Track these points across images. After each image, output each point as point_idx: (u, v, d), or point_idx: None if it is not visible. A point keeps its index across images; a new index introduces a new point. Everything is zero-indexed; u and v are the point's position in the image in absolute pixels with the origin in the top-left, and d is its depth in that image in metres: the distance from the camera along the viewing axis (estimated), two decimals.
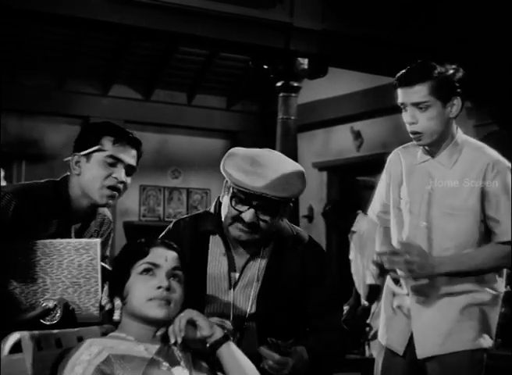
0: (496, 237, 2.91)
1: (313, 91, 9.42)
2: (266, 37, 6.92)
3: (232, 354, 2.21)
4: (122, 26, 6.56)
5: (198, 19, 6.61)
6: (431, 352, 2.92)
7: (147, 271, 2.22)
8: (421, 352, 2.93)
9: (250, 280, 2.62)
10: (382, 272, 2.91)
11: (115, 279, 2.29)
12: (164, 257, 2.25)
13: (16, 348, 2.16)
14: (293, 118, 7.14)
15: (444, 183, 2.93)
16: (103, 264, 2.79)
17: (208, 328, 2.20)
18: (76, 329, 2.39)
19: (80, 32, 8.63)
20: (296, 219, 7.25)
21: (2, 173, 9.60)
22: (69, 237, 2.80)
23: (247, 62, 7.58)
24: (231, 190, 2.58)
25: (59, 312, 2.55)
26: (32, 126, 9.58)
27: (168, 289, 2.20)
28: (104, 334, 2.31)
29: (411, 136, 2.95)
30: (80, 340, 2.23)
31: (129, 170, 2.83)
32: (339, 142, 10.03)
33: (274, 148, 7.54)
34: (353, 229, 5.82)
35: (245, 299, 2.61)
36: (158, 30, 6.71)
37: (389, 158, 3.16)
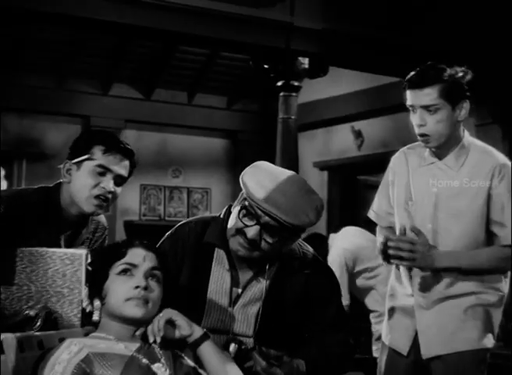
0: (499, 240, 2.91)
1: (313, 90, 9.43)
2: (266, 36, 6.91)
3: (212, 352, 2.23)
4: (123, 25, 6.55)
5: (199, 18, 6.61)
6: (436, 352, 2.93)
7: (124, 271, 2.24)
8: (426, 352, 2.94)
9: (251, 298, 2.58)
10: (386, 257, 2.89)
11: (94, 280, 2.31)
12: (142, 257, 2.26)
13: None
14: (293, 117, 7.13)
15: (450, 186, 2.93)
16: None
17: (188, 327, 2.22)
18: (58, 331, 2.40)
19: (80, 31, 8.63)
20: None
21: (3, 173, 9.64)
22: (59, 244, 2.80)
23: (248, 61, 7.57)
24: (243, 202, 2.51)
25: (40, 321, 2.52)
26: (32, 125, 9.59)
27: (145, 288, 2.21)
28: (86, 335, 2.31)
29: (419, 138, 2.95)
30: (62, 341, 2.23)
31: (119, 180, 2.81)
32: (340, 142, 10.03)
33: (274, 148, 7.55)
34: (328, 257, 5.72)
35: (244, 318, 2.57)
36: (159, 30, 6.70)
37: (395, 157, 3.16)
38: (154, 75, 9.95)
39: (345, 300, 5.62)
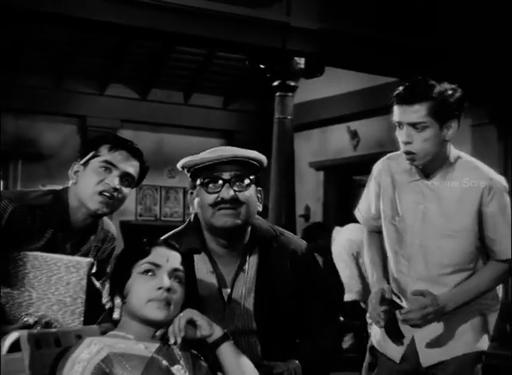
0: (495, 255, 2.88)
1: (309, 90, 9.43)
2: (263, 36, 6.91)
3: (232, 353, 2.21)
4: (119, 25, 6.54)
5: (195, 18, 6.61)
6: (435, 359, 2.91)
7: (147, 271, 2.21)
8: (426, 360, 2.92)
9: (242, 293, 2.57)
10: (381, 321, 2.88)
11: (116, 278, 2.27)
12: (165, 257, 2.24)
13: (15, 346, 2.16)
14: (289, 117, 7.13)
15: (439, 205, 2.87)
16: (94, 282, 2.77)
17: (208, 327, 2.20)
18: (75, 328, 2.39)
19: (77, 32, 8.62)
20: (293, 218, 7.25)
21: None
22: (64, 249, 2.75)
23: (244, 61, 7.57)
24: (195, 183, 2.55)
25: (38, 330, 2.48)
26: (29, 125, 9.57)
27: (168, 290, 2.18)
28: (103, 333, 2.30)
29: (404, 156, 2.86)
30: (79, 338, 2.22)
31: (127, 178, 2.77)
32: (336, 142, 10.04)
33: (270, 148, 7.55)
34: (332, 247, 5.75)
35: (241, 314, 2.56)
36: (155, 30, 6.70)
37: (378, 167, 3.10)
38: (150, 75, 9.95)
39: (353, 293, 5.63)
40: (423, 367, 2.92)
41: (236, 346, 2.24)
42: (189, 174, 2.62)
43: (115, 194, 2.74)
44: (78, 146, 9.28)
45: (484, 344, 2.95)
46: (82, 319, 2.57)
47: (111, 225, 3.01)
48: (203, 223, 2.59)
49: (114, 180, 2.72)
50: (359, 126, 9.71)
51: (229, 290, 2.57)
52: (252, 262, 2.59)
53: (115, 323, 2.27)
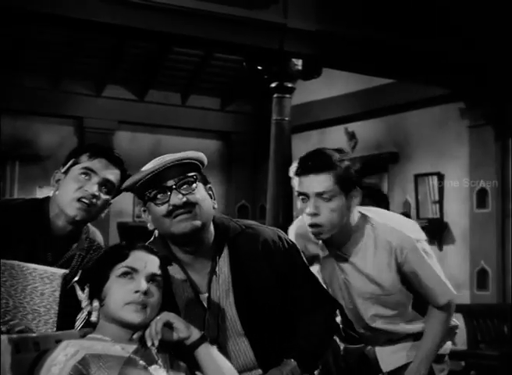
0: (432, 302, 2.88)
1: (307, 92, 9.43)
2: (260, 37, 6.91)
3: (210, 354, 2.23)
4: (116, 26, 6.54)
5: (192, 19, 6.60)
6: (394, 365, 2.94)
7: (125, 274, 2.22)
8: (385, 367, 2.94)
9: (221, 296, 2.54)
10: None
11: (95, 281, 2.28)
12: (144, 261, 2.25)
13: None
14: (287, 119, 7.12)
15: (358, 275, 2.83)
16: (77, 291, 2.77)
17: (185, 330, 2.21)
18: (54, 332, 2.40)
19: (74, 33, 8.62)
20: (290, 219, 7.23)
21: None
22: (45, 257, 2.75)
23: (241, 62, 7.57)
24: (144, 199, 2.52)
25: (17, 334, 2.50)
26: (26, 126, 9.57)
27: (145, 293, 2.19)
28: (82, 337, 2.30)
29: (310, 229, 2.74)
30: (59, 343, 2.22)
31: (107, 185, 2.77)
32: (334, 143, 10.00)
33: (268, 149, 7.54)
34: None
35: (224, 317, 2.53)
36: (152, 31, 6.69)
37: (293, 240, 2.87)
38: (147, 76, 9.95)
39: None
40: (384, 372, 2.95)
41: (213, 347, 2.25)
42: (136, 195, 2.58)
43: (94, 200, 2.75)
44: (75, 147, 9.27)
45: (445, 348, 3.00)
46: (55, 329, 2.55)
47: (97, 234, 3.01)
48: (164, 236, 2.56)
49: (92, 187, 2.74)
50: (357, 127, 9.71)
51: (206, 294, 2.54)
52: (223, 263, 2.56)
53: (94, 326, 2.27)
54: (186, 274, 2.53)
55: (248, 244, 2.58)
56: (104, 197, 2.77)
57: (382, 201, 7.69)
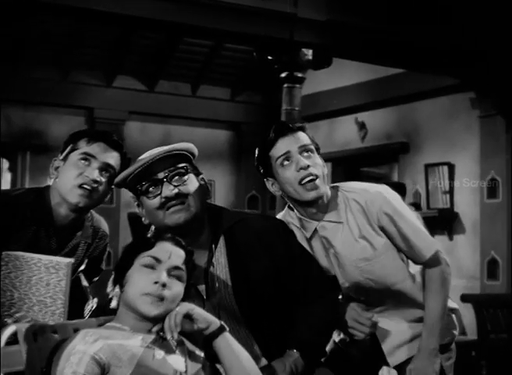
0: (418, 259, 2.82)
1: (317, 81, 9.42)
2: (270, 27, 6.90)
3: (229, 345, 2.21)
4: (126, 16, 6.53)
5: (202, 9, 6.60)
6: (401, 358, 2.89)
7: (148, 264, 2.22)
8: (393, 360, 2.90)
9: (219, 286, 2.53)
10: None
11: (120, 266, 2.28)
12: (168, 253, 2.24)
13: (13, 340, 2.18)
14: (297, 109, 7.11)
15: (343, 243, 2.79)
16: (84, 283, 2.76)
17: (205, 320, 2.20)
18: (72, 321, 2.39)
19: (83, 23, 8.63)
20: None
21: (6, 165, 9.64)
22: (49, 246, 2.75)
23: (251, 52, 7.55)
24: (139, 191, 2.51)
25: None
26: (36, 117, 9.59)
27: (164, 285, 2.19)
28: (101, 326, 2.30)
29: (307, 185, 2.70)
30: (76, 331, 2.23)
31: (107, 170, 2.77)
32: (344, 133, 10.02)
33: None
34: None
35: (224, 307, 2.52)
36: (162, 21, 6.69)
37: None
38: (158, 67, 9.95)
39: None
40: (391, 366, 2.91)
41: (233, 337, 2.23)
42: (128, 189, 2.58)
43: (95, 186, 2.73)
44: None
45: (450, 337, 2.95)
46: (62, 320, 2.55)
47: (102, 222, 3.00)
48: (157, 228, 2.55)
49: (93, 173, 2.72)
50: (367, 117, 9.70)
51: (203, 286, 2.53)
52: (219, 253, 2.56)
53: (114, 313, 2.27)
54: None
55: (245, 234, 2.58)
56: (105, 182, 2.76)
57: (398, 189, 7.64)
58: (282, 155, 2.73)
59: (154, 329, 2.21)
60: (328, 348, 2.85)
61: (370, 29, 7.16)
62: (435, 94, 8.73)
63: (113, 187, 2.79)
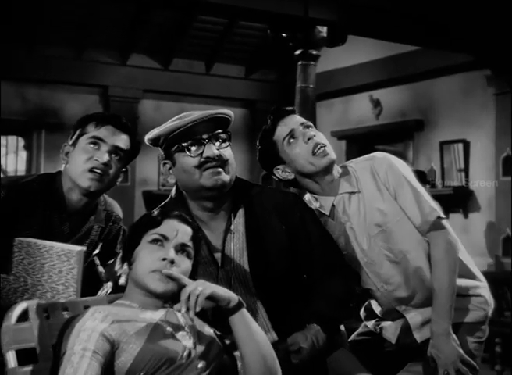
0: (420, 225, 2.82)
1: (332, 59, 9.39)
2: (285, 4, 6.87)
3: (245, 321, 2.20)
4: None
5: None
6: (428, 334, 2.85)
7: (155, 241, 2.24)
8: (421, 336, 2.89)
9: (235, 254, 2.56)
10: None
11: (127, 244, 2.31)
12: (175, 230, 2.26)
13: (24, 316, 2.20)
14: (311, 86, 7.10)
15: (358, 212, 2.84)
16: (100, 269, 2.78)
17: (225, 298, 2.18)
18: (83, 298, 2.42)
19: (98, 2, 8.62)
20: None
21: (22, 143, 9.69)
22: (61, 231, 2.76)
23: (266, 30, 7.53)
24: (176, 148, 2.53)
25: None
26: (51, 95, 9.61)
27: (172, 262, 2.20)
28: (111, 303, 2.32)
29: (320, 153, 2.80)
30: (87, 308, 2.24)
31: (117, 152, 2.76)
32: (358, 111, 10.00)
33: None
34: None
35: (237, 275, 2.55)
36: None
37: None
38: (172, 45, 9.93)
39: None
40: (418, 342, 2.90)
41: (248, 314, 2.22)
42: (161, 145, 2.59)
43: (106, 169, 2.73)
44: None
45: (472, 316, 2.90)
46: None
47: (115, 206, 3.01)
48: (187, 188, 2.58)
49: (103, 156, 2.72)
50: (381, 94, 9.66)
51: (219, 254, 2.56)
52: (238, 222, 2.59)
53: (122, 290, 2.29)
54: (202, 232, 2.54)
55: (264, 205, 2.61)
56: (116, 165, 2.76)
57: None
58: (287, 135, 2.83)
59: (177, 307, 2.18)
60: (359, 331, 2.89)
61: (384, 6, 7.12)
62: (451, 71, 8.69)
63: (124, 169, 2.82)
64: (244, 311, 2.20)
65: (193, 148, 2.51)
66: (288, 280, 2.58)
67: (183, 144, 2.51)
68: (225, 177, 2.52)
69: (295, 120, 2.85)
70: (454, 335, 2.77)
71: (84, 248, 2.66)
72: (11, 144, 9.72)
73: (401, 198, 2.82)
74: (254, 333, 2.20)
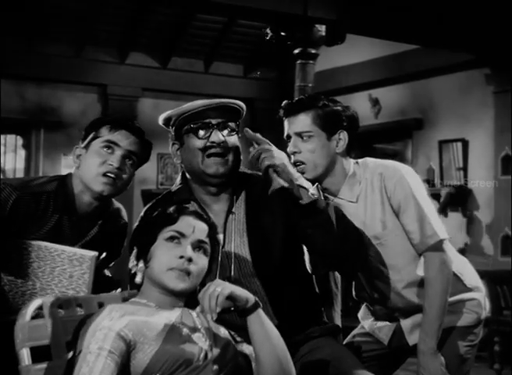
0: (419, 244, 2.78)
1: (331, 58, 9.37)
2: (284, 3, 6.86)
3: (261, 321, 2.18)
4: None
5: None
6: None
7: (172, 239, 2.22)
8: (413, 339, 2.87)
9: (236, 235, 2.63)
10: None
11: (142, 241, 2.28)
12: (192, 227, 2.24)
13: (38, 313, 2.19)
14: (310, 85, 7.09)
15: (357, 219, 2.80)
16: (107, 273, 2.77)
17: (243, 299, 2.15)
18: (97, 295, 2.41)
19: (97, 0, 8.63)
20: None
21: (21, 142, 9.68)
22: (71, 234, 2.74)
23: (264, 29, 7.52)
24: (186, 129, 2.62)
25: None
26: (50, 93, 9.60)
27: (190, 260, 2.19)
28: (125, 300, 2.32)
29: (295, 168, 2.71)
30: (101, 305, 2.25)
31: (130, 157, 2.76)
32: (357, 110, 9.74)
33: None
34: None
35: (238, 256, 2.60)
36: None
37: None
38: (171, 43, 9.93)
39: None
40: (409, 345, 2.90)
41: (264, 314, 2.20)
42: (173, 125, 2.68)
43: (119, 174, 2.73)
44: (99, 114, 9.31)
45: (464, 320, 2.89)
46: None
47: (122, 210, 3.00)
48: (191, 171, 2.66)
49: (117, 161, 2.72)
50: (380, 93, 9.66)
51: (221, 235, 2.60)
52: (239, 204, 2.67)
53: (138, 288, 2.27)
54: (206, 214, 2.56)
55: (265, 191, 2.62)
56: (129, 169, 2.76)
57: None
58: (286, 136, 2.84)
59: (198, 309, 2.19)
60: (355, 332, 2.89)
61: (384, 4, 7.12)
62: (450, 70, 8.68)
63: (134, 174, 2.82)
64: (260, 311, 2.19)
65: (202, 132, 2.61)
66: (286, 262, 2.63)
67: (192, 126, 2.61)
68: (226, 167, 2.61)
69: (294, 126, 2.78)
70: (440, 354, 2.76)
71: (96, 254, 2.65)
72: (9, 143, 9.71)
73: (404, 214, 2.77)
74: (270, 334, 2.18)
